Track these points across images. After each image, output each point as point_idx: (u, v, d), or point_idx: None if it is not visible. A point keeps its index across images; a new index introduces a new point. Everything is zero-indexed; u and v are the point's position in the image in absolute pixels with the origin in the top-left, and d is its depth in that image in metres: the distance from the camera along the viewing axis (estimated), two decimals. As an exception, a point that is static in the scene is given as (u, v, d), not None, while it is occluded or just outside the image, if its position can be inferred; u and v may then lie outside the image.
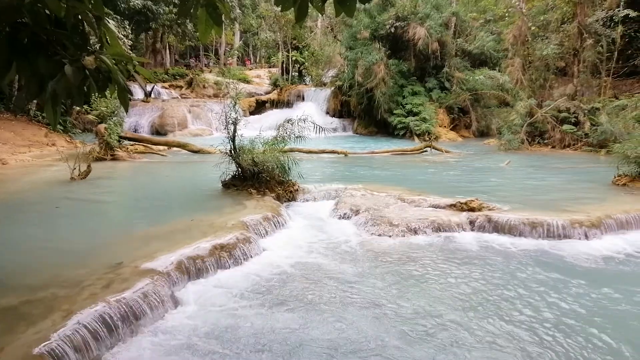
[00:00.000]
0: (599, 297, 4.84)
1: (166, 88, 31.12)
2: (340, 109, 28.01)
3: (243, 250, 5.81)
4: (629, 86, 21.64)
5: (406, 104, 23.84)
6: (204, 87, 31.95)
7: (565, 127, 17.18)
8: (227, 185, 9.07)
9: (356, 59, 24.32)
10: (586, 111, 17.10)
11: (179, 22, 30.27)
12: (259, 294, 4.87)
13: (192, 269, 5.10)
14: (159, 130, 24.83)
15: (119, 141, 14.40)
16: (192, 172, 12.72)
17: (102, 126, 13.65)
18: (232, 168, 9.08)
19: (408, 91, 24.44)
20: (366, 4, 24.57)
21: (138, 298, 4.13)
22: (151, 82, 28.20)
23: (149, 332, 4.02)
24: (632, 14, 18.11)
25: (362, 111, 25.94)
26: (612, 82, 20.45)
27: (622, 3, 18.74)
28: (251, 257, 5.87)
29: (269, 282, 5.20)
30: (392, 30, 24.18)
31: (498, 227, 7.05)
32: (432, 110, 23.54)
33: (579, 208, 7.64)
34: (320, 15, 31.73)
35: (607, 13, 18.58)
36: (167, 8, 27.79)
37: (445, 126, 24.20)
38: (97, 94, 2.89)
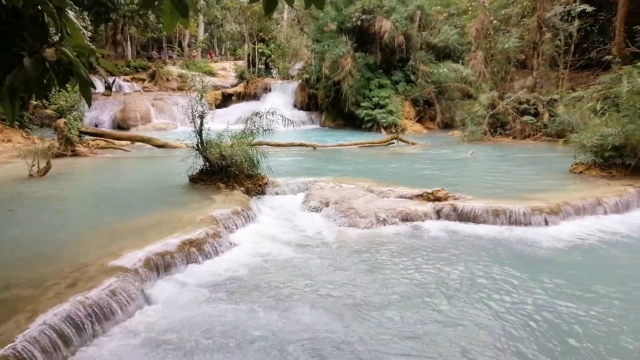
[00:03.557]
0: (555, 282, 5.07)
1: (128, 81, 30.23)
2: (308, 102, 27.99)
3: (213, 245, 5.77)
4: (585, 78, 22.54)
5: (373, 96, 24.05)
6: (167, 80, 31.20)
7: (526, 118, 17.76)
8: (194, 179, 8.95)
9: (323, 52, 24.30)
10: (545, 102, 17.72)
11: (141, 13, 29.34)
12: (229, 289, 4.85)
13: (161, 265, 5.03)
14: (121, 124, 24.14)
15: (79, 136, 13.94)
16: (157, 167, 12.47)
17: (61, 121, 13.17)
18: (200, 162, 8.96)
19: (375, 84, 24.65)
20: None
21: (106, 296, 4.05)
22: (113, 75, 27.32)
23: (119, 331, 3.95)
24: (589, 9, 18.85)
25: (330, 104, 26.01)
26: (569, 74, 21.25)
27: (578, -2, 19.47)
28: (221, 251, 5.83)
29: (239, 276, 5.19)
30: (359, 23, 24.29)
31: (463, 216, 7.26)
32: (399, 102, 23.85)
33: (539, 195, 7.95)
34: (286, 7, 31.48)
35: (564, 8, 19.27)
36: (128, -2, 26.90)
37: (411, 118, 24.57)
38: (56, 87, 2.80)
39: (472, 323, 4.15)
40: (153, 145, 15.99)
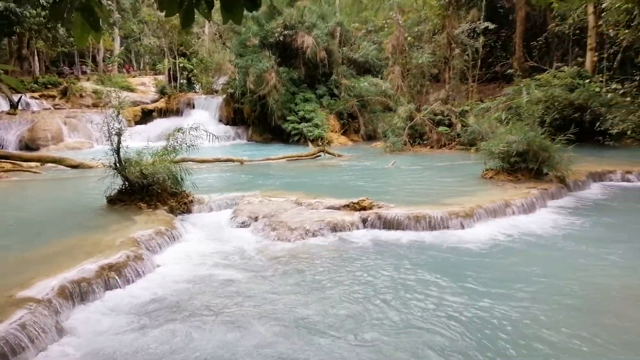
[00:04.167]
0: (472, 282, 5.45)
1: (36, 98, 28.06)
2: (234, 117, 27.63)
3: (135, 268, 5.51)
4: (491, 90, 24.49)
5: (299, 110, 24.33)
6: (80, 96, 29.36)
7: (441, 128, 18.86)
8: (113, 200, 8.50)
9: (247, 67, 24.23)
10: (457, 114, 18.96)
11: (49, 26, 27.48)
12: (154, 314, 4.64)
13: (77, 294, 4.72)
14: (29, 145, 22.32)
15: (-20, 159, 12.71)
16: (71, 189, 11.67)
17: (-43, 143, 11.95)
18: (118, 182, 8.54)
19: (300, 98, 24.97)
20: (254, 11, 24.74)
21: (14, 330, 3.72)
22: (19, 92, 25.26)
23: (29, 367, 3.65)
24: (491, 26, 20.60)
25: (256, 118, 25.89)
26: (477, 87, 22.97)
27: (482, 16, 21.22)
28: (144, 274, 5.58)
29: (164, 300, 4.99)
30: (281, 38, 24.56)
31: (387, 223, 7.56)
32: (324, 116, 24.33)
33: (455, 200, 8.47)
34: (207, 21, 31.07)
35: (470, 25, 20.91)
36: (34, 11, 25.05)
37: (336, 131, 25.11)
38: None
39: (401, 329, 4.33)
40: (66, 165, 14.96)
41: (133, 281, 5.39)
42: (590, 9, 19.39)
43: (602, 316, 4.60)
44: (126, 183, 8.51)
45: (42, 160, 15.67)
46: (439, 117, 19.10)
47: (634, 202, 9.80)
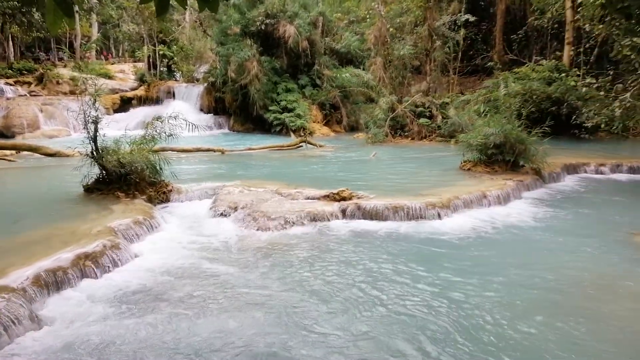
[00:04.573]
0: (448, 271, 5.58)
1: (11, 85, 27.28)
2: (215, 106, 27.34)
3: (112, 257, 5.48)
4: (472, 83, 24.78)
5: (281, 100, 24.22)
6: (57, 83, 28.64)
7: (422, 120, 19.01)
8: (90, 189, 8.39)
9: (228, 55, 23.97)
10: (438, 105, 19.13)
11: (24, 10, 26.63)
12: (129, 303, 4.63)
13: (53, 282, 4.68)
14: (4, 132, 21.82)
15: (-49, 146, 12.36)
16: (47, 177, 11.45)
17: None
18: (96, 171, 8.43)
19: (282, 88, 24.84)
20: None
21: (-13, 320, 3.69)
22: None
23: (3, 356, 3.62)
24: (472, 18, 20.78)
25: (238, 108, 25.68)
26: (458, 79, 23.20)
27: (463, 9, 21.37)
28: (121, 264, 5.56)
29: (140, 289, 4.97)
30: (263, 27, 24.32)
31: (366, 214, 7.64)
32: (306, 106, 24.26)
33: (433, 191, 8.60)
34: (188, 8, 30.52)
35: (451, 17, 21.03)
36: (7, -6, 24.22)
37: (318, 122, 25.09)
38: None
39: (378, 317, 4.42)
40: (43, 154, 14.62)
41: (110, 270, 5.36)
42: (568, 3, 19.70)
43: (576, 304, 4.72)
44: (104, 172, 8.41)
45: (18, 148, 15.32)
46: (420, 109, 19.23)
47: (607, 194, 10.08)
